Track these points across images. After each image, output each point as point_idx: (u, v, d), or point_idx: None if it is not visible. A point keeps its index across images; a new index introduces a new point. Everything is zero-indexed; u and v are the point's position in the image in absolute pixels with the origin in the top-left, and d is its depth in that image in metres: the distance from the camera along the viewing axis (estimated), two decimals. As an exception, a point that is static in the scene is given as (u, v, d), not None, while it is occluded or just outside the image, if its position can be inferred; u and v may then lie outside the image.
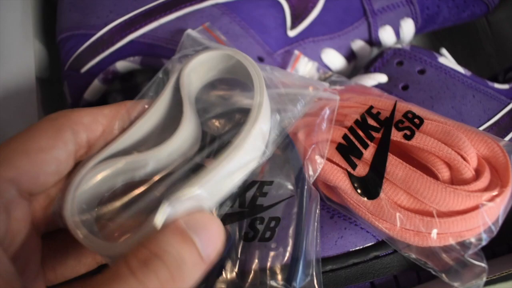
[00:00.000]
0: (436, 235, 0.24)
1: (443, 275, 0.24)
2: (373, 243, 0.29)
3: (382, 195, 0.25)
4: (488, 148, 0.25)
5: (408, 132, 0.26)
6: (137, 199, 0.23)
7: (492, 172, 0.25)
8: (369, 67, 0.35)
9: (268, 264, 0.25)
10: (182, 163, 0.24)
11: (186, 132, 0.23)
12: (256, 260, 0.25)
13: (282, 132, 0.25)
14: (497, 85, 0.33)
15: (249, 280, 0.24)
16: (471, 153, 0.25)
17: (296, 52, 0.32)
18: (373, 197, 0.25)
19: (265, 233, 0.25)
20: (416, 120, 0.26)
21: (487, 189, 0.24)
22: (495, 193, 0.24)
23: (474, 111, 0.31)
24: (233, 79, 0.26)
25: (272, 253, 0.25)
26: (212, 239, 0.19)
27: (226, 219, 0.26)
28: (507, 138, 0.31)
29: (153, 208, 0.19)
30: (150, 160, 0.23)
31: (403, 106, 0.27)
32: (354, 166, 0.26)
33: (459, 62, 0.34)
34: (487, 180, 0.24)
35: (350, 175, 0.26)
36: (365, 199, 0.25)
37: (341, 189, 0.26)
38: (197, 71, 0.25)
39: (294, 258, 0.24)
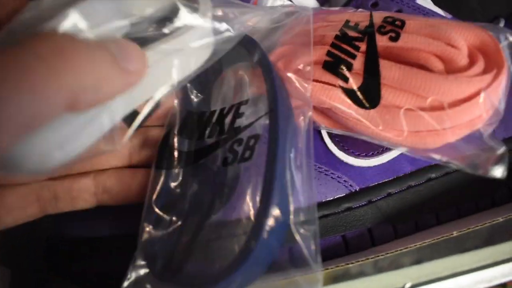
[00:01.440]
0: (450, 129, 0.23)
1: (468, 168, 0.23)
2: (345, 194, 0.27)
3: (382, 101, 0.23)
4: (476, 36, 0.24)
5: (393, 34, 0.24)
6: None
7: (485, 57, 0.24)
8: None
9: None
10: None
11: None
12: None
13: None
14: None
15: None
16: (461, 41, 0.24)
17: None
18: (374, 105, 0.23)
19: (245, 153, 0.22)
20: (397, 22, 0.25)
21: (484, 72, 0.23)
22: (493, 74, 0.23)
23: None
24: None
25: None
26: (127, 49, 0.18)
27: (205, 150, 0.23)
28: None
29: None
30: None
31: (379, 14, 0.26)
32: (346, 79, 0.24)
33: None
34: (482, 65, 0.24)
35: (344, 90, 0.24)
36: (365, 110, 0.23)
37: (337, 108, 0.24)
38: None
39: (267, 181, 0.20)
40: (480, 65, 0.23)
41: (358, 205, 0.28)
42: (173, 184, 0.23)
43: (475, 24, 0.25)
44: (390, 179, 0.29)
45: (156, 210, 0.22)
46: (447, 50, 0.23)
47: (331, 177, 0.27)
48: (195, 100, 0.26)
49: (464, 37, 0.24)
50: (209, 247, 0.22)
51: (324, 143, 0.28)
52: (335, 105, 0.24)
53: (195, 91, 0.26)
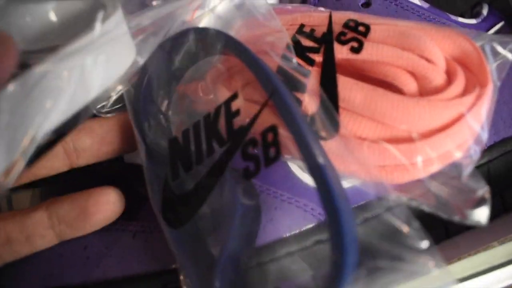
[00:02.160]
0: (421, 163, 0.19)
1: (439, 212, 0.19)
2: (313, 224, 0.23)
3: (342, 130, 0.19)
4: (455, 45, 0.20)
5: (355, 44, 0.20)
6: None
7: (466, 72, 0.20)
8: (304, 3, 0.29)
9: None
10: None
11: None
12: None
13: None
14: (462, 20, 0.28)
15: None
16: (437, 53, 0.19)
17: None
18: (331, 135, 0.19)
19: (268, 152, 0.18)
20: (361, 28, 0.20)
21: (464, 93, 0.19)
22: (474, 95, 0.19)
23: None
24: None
25: None
26: None
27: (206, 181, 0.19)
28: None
29: None
30: None
31: (341, 16, 0.21)
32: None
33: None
34: (462, 83, 0.19)
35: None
36: (322, 141, 0.19)
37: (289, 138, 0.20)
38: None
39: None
40: (459, 83, 0.19)
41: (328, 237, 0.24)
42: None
43: (455, 30, 0.20)
44: (365, 202, 0.25)
45: None
46: (421, 65, 0.19)
47: (296, 206, 0.23)
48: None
49: (441, 47, 0.20)
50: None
51: (285, 163, 0.23)
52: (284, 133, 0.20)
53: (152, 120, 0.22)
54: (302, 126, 0.16)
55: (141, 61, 0.20)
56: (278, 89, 0.18)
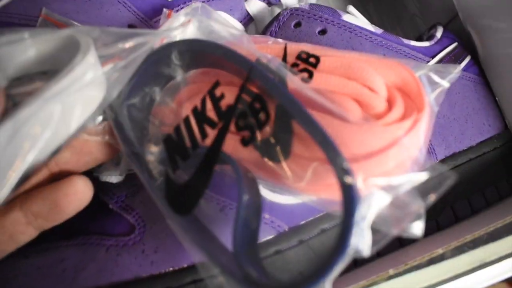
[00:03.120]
0: (362, 182, 0.21)
1: (380, 226, 0.21)
2: (272, 236, 0.25)
3: (293, 153, 0.21)
4: (396, 74, 0.22)
5: (306, 75, 0.22)
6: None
7: (405, 99, 0.22)
8: (265, 32, 0.31)
9: None
10: None
11: None
12: None
13: None
14: (414, 43, 0.31)
15: None
16: (378, 82, 0.22)
17: (165, 10, 0.27)
18: (284, 157, 0.21)
19: (259, 118, 0.20)
20: (311, 60, 0.22)
21: (403, 118, 0.21)
22: (412, 120, 0.21)
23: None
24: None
25: None
26: None
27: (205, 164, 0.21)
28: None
29: None
30: None
31: (295, 48, 0.23)
32: (255, 130, 0.21)
33: (384, 25, 0.31)
34: (400, 109, 0.22)
35: (255, 145, 0.22)
36: (276, 163, 0.21)
37: (248, 161, 0.22)
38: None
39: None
40: (398, 110, 0.21)
41: (287, 247, 0.26)
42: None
43: (397, 61, 0.22)
44: (322, 214, 0.27)
45: None
46: (364, 94, 0.21)
47: None
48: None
49: (384, 76, 0.22)
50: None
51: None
52: (245, 157, 0.22)
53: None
54: (284, 91, 0.19)
55: (115, 92, 0.22)
56: (254, 66, 0.20)
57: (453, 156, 0.30)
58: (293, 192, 0.22)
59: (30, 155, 0.18)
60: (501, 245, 0.34)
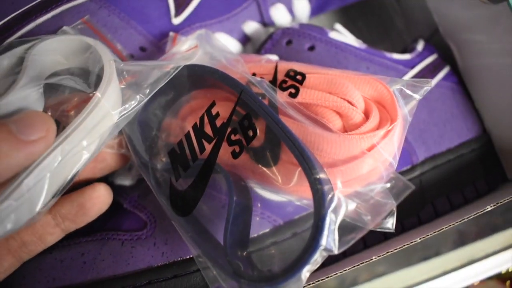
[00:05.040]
0: (342, 184, 0.24)
1: (357, 222, 0.24)
2: (269, 229, 0.29)
3: (281, 158, 0.24)
4: (373, 88, 0.25)
5: (293, 90, 0.25)
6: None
7: (381, 110, 0.25)
8: (260, 50, 0.35)
9: None
10: None
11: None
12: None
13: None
14: (396, 56, 0.34)
15: None
16: (356, 96, 0.25)
17: (171, 33, 0.31)
18: (274, 163, 0.24)
19: (247, 134, 0.24)
20: (298, 77, 0.26)
21: (378, 127, 0.24)
22: (386, 129, 0.24)
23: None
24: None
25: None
26: (28, 121, 0.21)
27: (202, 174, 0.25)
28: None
29: None
30: None
31: (284, 66, 0.26)
32: (250, 139, 0.25)
33: (374, 40, 0.34)
34: (376, 120, 0.25)
35: (247, 149, 0.25)
36: (267, 168, 0.25)
37: (242, 167, 0.25)
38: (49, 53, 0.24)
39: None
40: (374, 119, 0.24)
41: (282, 239, 0.29)
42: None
43: (374, 77, 0.25)
44: (298, 217, 0.30)
45: None
46: (343, 106, 0.24)
47: (254, 214, 0.28)
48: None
49: (362, 90, 0.25)
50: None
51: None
52: (239, 163, 0.25)
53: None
54: (267, 109, 0.23)
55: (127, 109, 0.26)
56: (245, 89, 0.24)
57: (433, 157, 0.33)
58: (281, 192, 0.25)
59: (74, 170, 0.22)
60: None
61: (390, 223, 0.24)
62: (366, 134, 0.24)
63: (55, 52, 0.25)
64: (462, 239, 0.40)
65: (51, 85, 0.25)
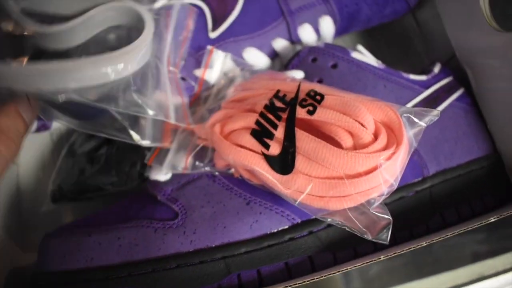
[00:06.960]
0: (349, 197, 0.27)
1: (358, 232, 0.27)
2: (288, 226, 0.32)
3: (295, 168, 0.27)
4: (384, 113, 0.28)
5: (311, 108, 0.28)
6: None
7: (389, 134, 0.28)
8: (288, 65, 0.38)
9: None
10: None
11: None
12: None
13: None
14: (413, 76, 0.36)
15: None
16: (368, 118, 0.27)
17: (209, 47, 0.34)
18: (288, 172, 0.28)
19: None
20: (317, 97, 0.29)
21: (385, 149, 0.27)
22: (391, 151, 0.27)
23: (386, 100, 0.33)
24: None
25: None
26: None
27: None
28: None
29: None
30: None
31: (306, 86, 0.29)
32: (267, 147, 0.28)
33: (394, 61, 0.37)
34: (384, 141, 0.27)
35: (266, 156, 0.28)
36: (281, 175, 0.28)
37: (258, 171, 0.28)
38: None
39: None
40: (382, 141, 0.27)
41: (299, 236, 0.32)
42: None
43: (385, 103, 0.28)
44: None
45: None
46: (355, 127, 0.27)
47: (275, 212, 0.31)
48: None
49: (373, 114, 0.28)
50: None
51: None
52: (256, 168, 0.28)
53: None
54: None
55: None
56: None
57: (444, 171, 0.35)
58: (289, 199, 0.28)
59: None
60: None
61: (385, 236, 0.26)
62: (372, 153, 0.26)
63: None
64: (474, 256, 0.41)
65: None
